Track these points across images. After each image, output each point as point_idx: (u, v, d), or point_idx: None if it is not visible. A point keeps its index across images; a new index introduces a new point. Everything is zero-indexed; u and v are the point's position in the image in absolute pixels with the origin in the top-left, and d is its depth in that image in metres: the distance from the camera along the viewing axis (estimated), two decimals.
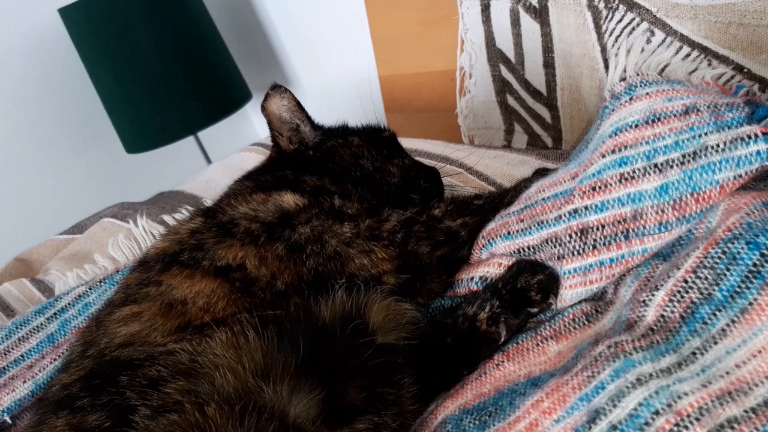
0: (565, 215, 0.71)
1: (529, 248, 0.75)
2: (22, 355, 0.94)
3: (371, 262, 0.75)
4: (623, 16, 1.14)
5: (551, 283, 0.72)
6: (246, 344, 0.62)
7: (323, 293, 0.70)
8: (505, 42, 1.37)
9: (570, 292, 0.71)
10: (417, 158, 1.04)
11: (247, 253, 0.74)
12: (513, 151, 1.19)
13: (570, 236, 0.70)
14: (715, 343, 0.56)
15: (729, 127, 0.65)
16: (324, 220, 0.78)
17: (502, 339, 0.71)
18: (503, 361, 0.70)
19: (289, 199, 0.81)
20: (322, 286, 0.71)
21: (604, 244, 0.68)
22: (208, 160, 2.27)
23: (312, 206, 0.80)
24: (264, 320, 0.65)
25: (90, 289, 0.99)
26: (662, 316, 0.61)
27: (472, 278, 0.79)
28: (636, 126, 0.69)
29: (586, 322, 0.70)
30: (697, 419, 0.49)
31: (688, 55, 1.07)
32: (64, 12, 1.89)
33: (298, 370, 0.61)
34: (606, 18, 1.17)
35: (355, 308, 0.69)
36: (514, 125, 1.44)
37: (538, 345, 0.70)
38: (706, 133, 0.65)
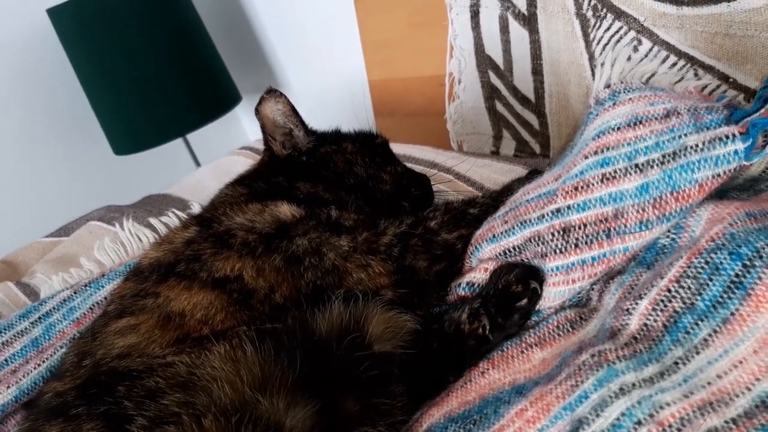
0: (547, 214, 0.72)
1: (513, 248, 0.75)
2: (5, 360, 0.93)
3: (368, 276, 0.75)
4: (611, 25, 1.15)
5: (528, 272, 0.72)
6: (244, 357, 0.63)
7: (320, 306, 0.69)
8: (494, 48, 1.37)
9: (553, 290, 0.71)
10: (406, 164, 1.04)
11: (245, 264, 0.74)
12: (501, 160, 1.20)
13: (552, 235, 0.71)
14: (698, 353, 0.56)
15: (708, 128, 0.66)
16: (321, 233, 0.78)
17: (487, 331, 0.71)
18: (488, 369, 0.71)
19: (286, 210, 0.81)
20: (320, 299, 0.71)
21: (586, 243, 0.69)
22: (197, 163, 2.26)
23: (309, 218, 0.80)
24: (262, 334, 0.65)
25: (75, 293, 0.99)
26: (645, 325, 0.61)
27: (459, 284, 0.79)
28: (618, 128, 0.70)
29: (571, 330, 0.70)
30: (679, 430, 0.50)
31: (674, 65, 1.08)
32: (53, 12, 1.88)
33: (295, 383, 0.61)
34: (594, 26, 1.18)
35: (353, 321, 0.69)
36: (502, 131, 1.45)
37: (522, 352, 0.70)
38: (685, 134, 0.66)
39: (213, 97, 2.10)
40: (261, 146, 1.05)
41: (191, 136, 2.22)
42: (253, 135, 2.52)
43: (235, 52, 2.37)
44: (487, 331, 0.71)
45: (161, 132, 2.01)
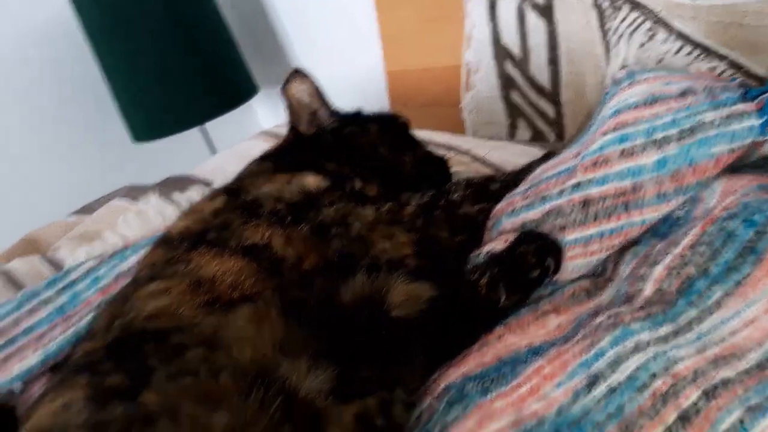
0: (567, 189, 0.74)
1: (532, 221, 0.77)
2: (31, 326, 0.95)
3: (392, 246, 0.77)
4: (627, 15, 1.17)
5: (548, 247, 0.73)
6: (268, 320, 0.64)
7: (345, 276, 0.71)
8: (510, 39, 1.40)
9: (571, 264, 0.73)
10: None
11: (274, 233, 0.75)
12: (516, 143, 1.22)
13: (572, 208, 0.73)
14: (711, 313, 0.58)
15: (724, 105, 0.68)
16: (347, 203, 0.80)
17: (502, 302, 0.73)
18: (504, 334, 0.72)
19: (312, 181, 0.84)
20: (346, 268, 0.72)
21: (605, 216, 0.71)
22: (213, 152, 2.28)
23: (334, 188, 0.83)
24: (288, 300, 0.67)
25: (100, 263, 1.01)
26: (660, 289, 0.63)
27: (479, 255, 0.80)
28: (636, 107, 0.73)
29: (586, 298, 0.72)
30: (693, 380, 0.51)
31: (689, 54, 1.10)
32: None
33: (316, 349, 0.62)
34: (610, 17, 1.20)
35: (375, 292, 0.70)
36: (517, 121, 1.47)
37: (538, 318, 0.72)
38: (702, 111, 0.69)
39: (231, 87, 2.12)
40: (281, 131, 1.07)
41: (207, 126, 2.25)
42: (268, 125, 2.54)
43: (253, 44, 2.40)
44: (502, 301, 0.73)
45: (180, 120, 2.04)
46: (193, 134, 2.19)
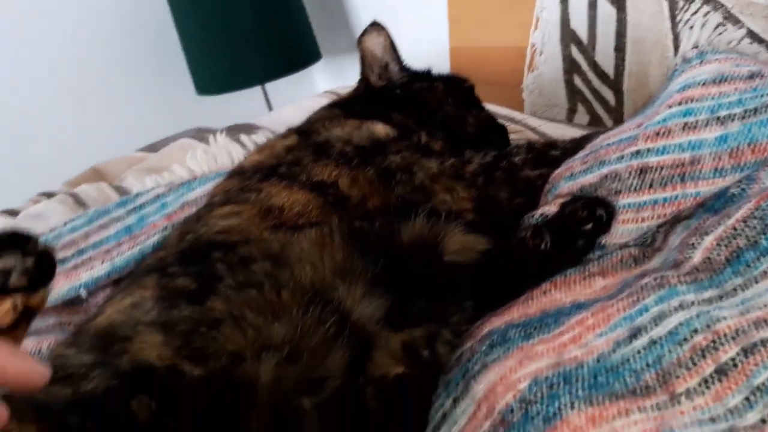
0: (627, 156, 0.76)
1: (590, 186, 0.79)
2: (100, 240, 1.01)
3: (453, 199, 0.81)
4: (699, 9, 1.18)
5: (595, 201, 0.74)
6: (331, 245, 0.68)
7: (406, 218, 0.74)
8: (579, 23, 1.41)
9: (621, 227, 0.74)
10: None
11: (341, 173, 0.80)
12: (575, 126, 1.23)
13: (629, 174, 0.74)
14: (756, 282, 0.60)
15: None
16: (413, 153, 0.84)
17: (548, 246, 0.74)
18: (550, 290, 0.74)
19: (381, 129, 0.88)
20: (407, 212, 0.75)
21: (661, 184, 0.73)
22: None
23: (402, 138, 0.86)
24: (352, 230, 0.71)
25: (168, 191, 1.06)
26: (708, 258, 0.64)
27: (533, 216, 0.82)
28: (704, 84, 0.75)
29: (633, 264, 0.73)
30: (733, 338, 0.53)
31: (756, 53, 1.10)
32: None
33: (373, 279, 0.66)
34: (682, 8, 1.21)
35: (432, 236, 0.73)
36: (577, 105, 1.48)
37: (585, 279, 0.73)
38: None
39: (296, 51, 2.18)
40: (343, 92, 1.10)
41: (268, 87, 2.30)
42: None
43: (321, 12, 2.44)
44: (548, 246, 0.74)
45: (243, 77, 2.11)
46: (252, 93, 2.25)
